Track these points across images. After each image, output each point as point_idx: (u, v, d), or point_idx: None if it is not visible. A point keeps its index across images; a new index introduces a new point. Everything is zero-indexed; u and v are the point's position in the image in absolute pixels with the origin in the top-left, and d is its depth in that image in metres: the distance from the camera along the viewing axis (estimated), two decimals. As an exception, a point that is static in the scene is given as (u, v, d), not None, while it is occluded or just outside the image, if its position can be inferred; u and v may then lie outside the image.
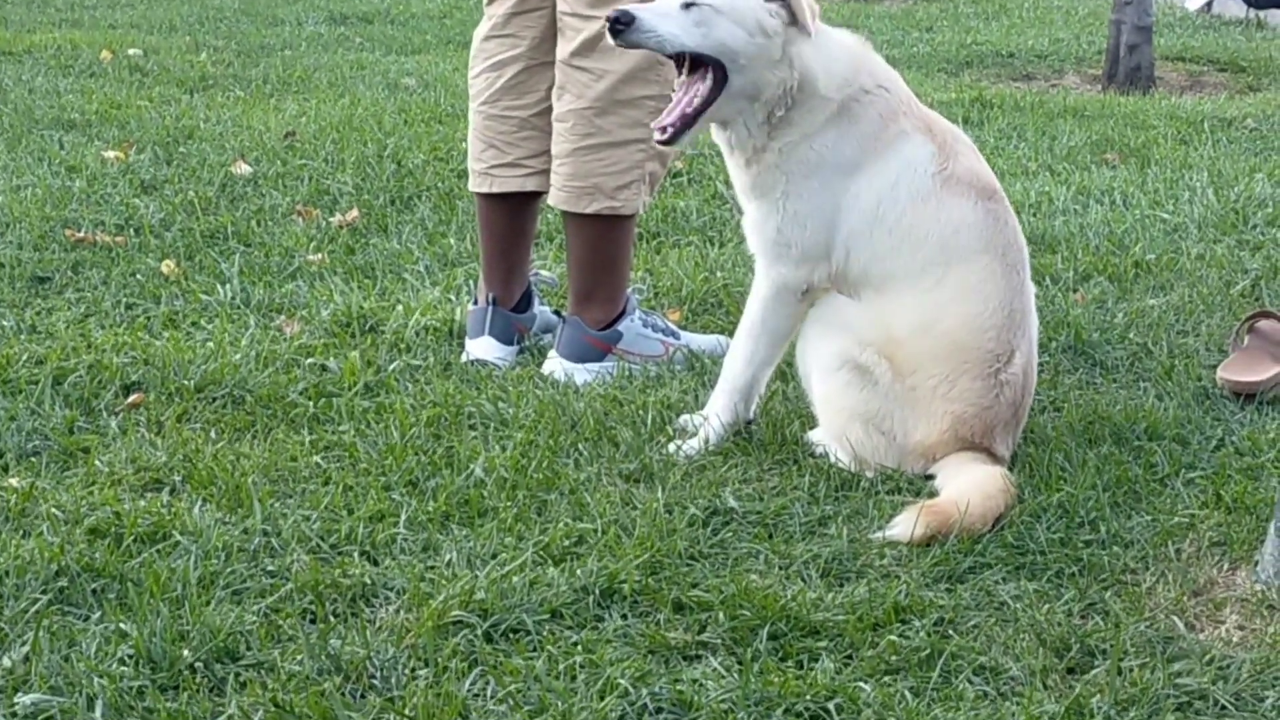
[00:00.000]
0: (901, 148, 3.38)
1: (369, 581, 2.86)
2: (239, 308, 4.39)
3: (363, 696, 2.53)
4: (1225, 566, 2.96)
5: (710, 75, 3.36)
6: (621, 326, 4.05)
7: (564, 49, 3.97)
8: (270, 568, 2.91)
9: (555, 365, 4.01)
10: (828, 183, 3.39)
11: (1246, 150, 6.70)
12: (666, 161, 4.06)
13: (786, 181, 3.41)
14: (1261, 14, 11.10)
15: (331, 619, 2.75)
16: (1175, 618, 2.78)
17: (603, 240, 4.01)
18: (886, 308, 3.35)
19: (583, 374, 3.96)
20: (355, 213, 5.32)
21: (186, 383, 3.74)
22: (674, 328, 4.16)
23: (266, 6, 10.65)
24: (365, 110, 6.99)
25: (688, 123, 3.38)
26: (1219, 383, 3.86)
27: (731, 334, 3.73)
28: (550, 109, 4.04)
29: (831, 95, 3.38)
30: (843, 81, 3.39)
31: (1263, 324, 4.03)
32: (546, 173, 4.07)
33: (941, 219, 3.34)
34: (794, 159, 3.40)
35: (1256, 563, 2.93)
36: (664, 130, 3.39)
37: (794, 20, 3.36)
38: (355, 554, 2.98)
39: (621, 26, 3.31)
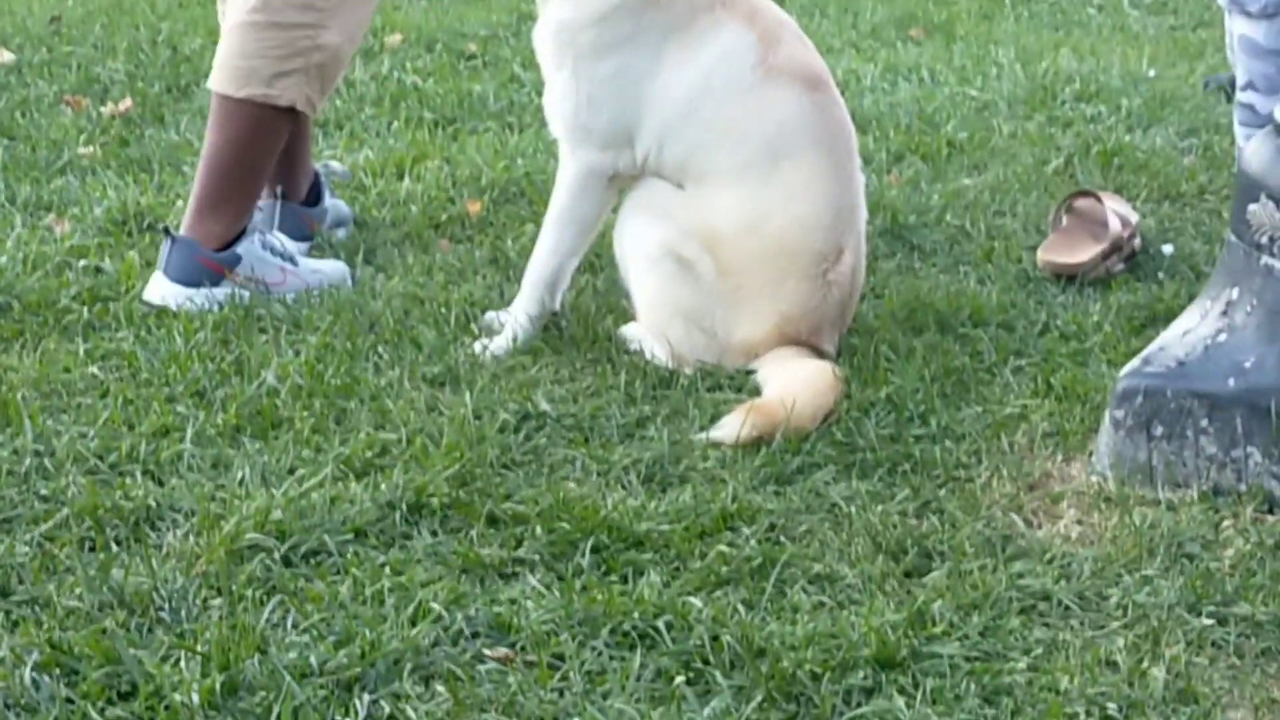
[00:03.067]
0: (715, 39, 3.16)
1: (153, 504, 2.62)
2: (3, 206, 4.07)
3: (150, 632, 2.30)
4: (1059, 458, 2.85)
5: None
6: (241, 248, 3.59)
7: None
8: (44, 491, 2.66)
9: (157, 289, 3.52)
10: (625, 70, 3.18)
11: (1047, 25, 6.63)
12: (341, 61, 3.64)
13: (574, 61, 3.20)
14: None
15: (113, 547, 2.51)
16: (1013, 514, 2.66)
17: (249, 135, 3.56)
18: (710, 201, 3.16)
19: (185, 301, 3.48)
20: (129, 102, 4.99)
21: (-54, 290, 3.44)
22: (295, 253, 3.71)
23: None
24: (137, -9, 6.58)
25: None
26: (1040, 264, 3.76)
27: (534, 225, 3.51)
28: None
29: None
30: None
31: (1080, 203, 3.94)
32: None
33: (764, 114, 3.14)
34: (581, 40, 3.19)
35: (1091, 454, 2.83)
36: None
37: None
38: (138, 473, 2.73)
39: None
